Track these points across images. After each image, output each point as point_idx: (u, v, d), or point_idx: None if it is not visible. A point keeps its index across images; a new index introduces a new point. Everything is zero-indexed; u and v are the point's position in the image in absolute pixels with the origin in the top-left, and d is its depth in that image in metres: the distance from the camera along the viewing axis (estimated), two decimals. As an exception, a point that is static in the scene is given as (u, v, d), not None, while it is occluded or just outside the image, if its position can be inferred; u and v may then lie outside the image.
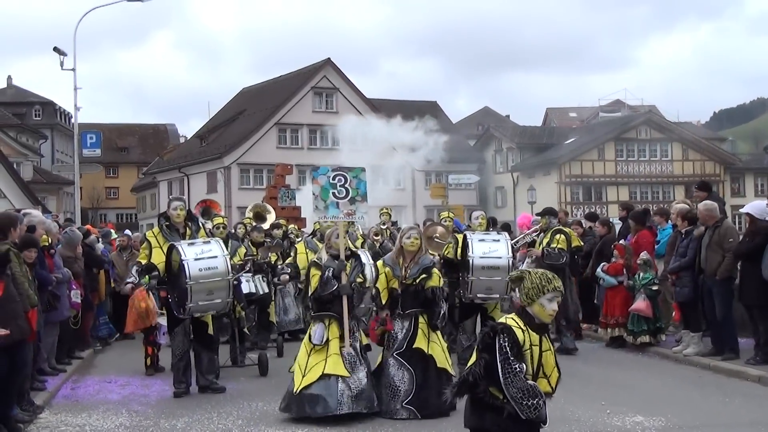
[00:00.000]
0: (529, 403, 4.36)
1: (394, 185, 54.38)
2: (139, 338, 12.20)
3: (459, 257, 10.78)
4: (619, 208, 16.42)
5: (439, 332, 8.68)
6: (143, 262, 9.98)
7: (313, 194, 9.09)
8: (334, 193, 8.94)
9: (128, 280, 10.07)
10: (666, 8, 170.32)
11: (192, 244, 9.73)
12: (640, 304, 12.27)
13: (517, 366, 4.38)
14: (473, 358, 4.57)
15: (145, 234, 10.75)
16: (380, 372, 8.51)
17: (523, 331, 4.48)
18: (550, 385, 4.60)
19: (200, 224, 10.49)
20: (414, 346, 8.43)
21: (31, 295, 8.36)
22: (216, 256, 9.59)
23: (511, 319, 4.56)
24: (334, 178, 8.98)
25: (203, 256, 9.52)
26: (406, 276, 8.58)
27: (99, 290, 13.87)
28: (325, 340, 8.30)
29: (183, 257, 9.41)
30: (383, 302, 8.57)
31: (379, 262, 8.97)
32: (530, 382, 4.42)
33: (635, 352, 12.34)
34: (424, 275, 8.54)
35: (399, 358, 8.42)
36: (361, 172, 9.16)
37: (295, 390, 8.21)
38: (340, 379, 8.16)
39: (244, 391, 10.00)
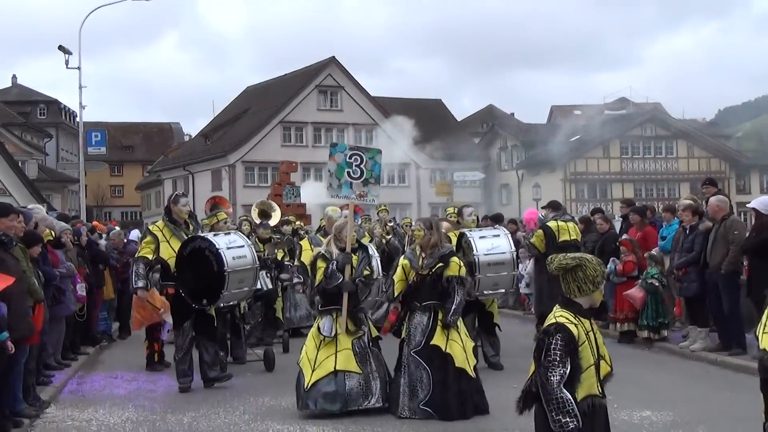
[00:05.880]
0: (556, 418, 4.11)
1: (398, 182, 54.75)
2: (141, 334, 12.05)
3: None
4: (621, 204, 16.34)
5: (461, 329, 8.35)
6: (150, 257, 9.96)
7: (329, 171, 8.81)
8: (349, 173, 8.66)
9: (139, 283, 9.96)
10: (673, 7, 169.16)
11: (216, 235, 9.94)
12: (635, 291, 12.23)
13: (553, 374, 4.13)
14: (532, 367, 4.36)
15: (148, 228, 10.68)
16: (400, 369, 8.24)
17: (576, 324, 4.29)
18: (608, 363, 4.44)
19: (198, 221, 10.55)
20: (431, 343, 8.14)
21: (38, 290, 8.36)
22: (243, 246, 9.91)
23: (561, 316, 4.33)
24: (350, 157, 8.68)
25: (233, 245, 9.74)
26: (423, 266, 8.38)
27: (106, 287, 13.87)
28: (334, 333, 8.19)
29: (218, 246, 9.54)
30: (395, 294, 8.41)
31: (402, 258, 8.88)
32: (566, 395, 4.13)
33: (643, 347, 12.31)
34: (440, 264, 8.31)
35: (416, 356, 8.13)
36: (377, 154, 8.84)
37: (306, 385, 8.11)
38: (351, 374, 8.10)
39: (251, 386, 10.01)
